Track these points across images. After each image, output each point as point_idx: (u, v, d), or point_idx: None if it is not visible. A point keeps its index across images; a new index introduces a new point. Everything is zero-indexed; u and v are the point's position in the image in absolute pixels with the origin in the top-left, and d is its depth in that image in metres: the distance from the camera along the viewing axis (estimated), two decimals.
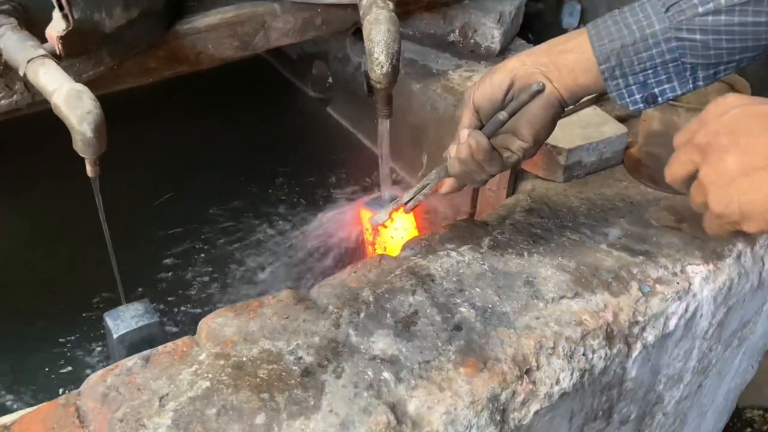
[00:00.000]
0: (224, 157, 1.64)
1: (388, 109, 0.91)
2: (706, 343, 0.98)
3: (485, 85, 0.76)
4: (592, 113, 1.07)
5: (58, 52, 0.74)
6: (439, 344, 0.75)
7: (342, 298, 0.82)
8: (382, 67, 0.85)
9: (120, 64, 0.93)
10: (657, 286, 0.85)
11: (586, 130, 1.03)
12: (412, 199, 0.84)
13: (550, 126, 0.77)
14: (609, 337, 0.80)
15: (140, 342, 0.86)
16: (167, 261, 1.34)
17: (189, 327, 1.22)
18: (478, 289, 0.82)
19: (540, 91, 0.73)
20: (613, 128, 1.04)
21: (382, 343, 0.76)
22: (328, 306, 0.80)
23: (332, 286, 0.84)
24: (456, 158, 0.78)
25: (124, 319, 0.87)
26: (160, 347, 0.78)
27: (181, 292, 1.28)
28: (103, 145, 0.70)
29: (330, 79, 1.77)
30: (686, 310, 0.87)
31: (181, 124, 1.69)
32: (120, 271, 0.93)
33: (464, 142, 0.76)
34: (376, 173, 1.55)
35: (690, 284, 0.87)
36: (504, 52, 1.39)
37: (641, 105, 0.72)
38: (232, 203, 1.49)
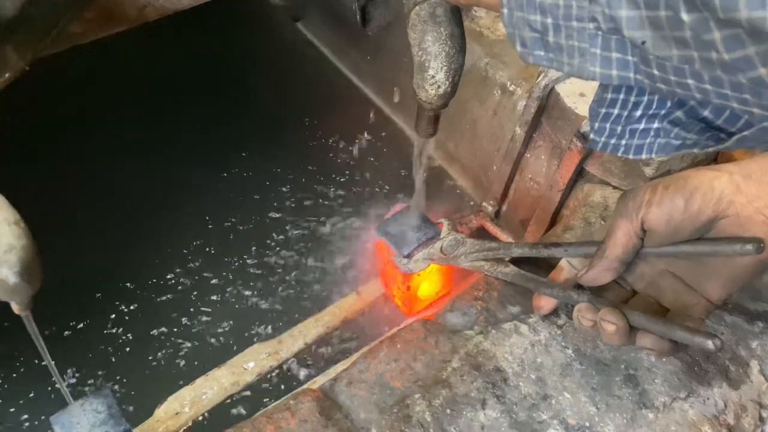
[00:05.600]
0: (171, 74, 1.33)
1: (434, 128, 0.64)
2: None
3: (672, 205, 0.50)
4: None
5: None
6: None
7: (384, 411, 0.60)
8: (439, 87, 0.57)
9: (35, 59, 0.62)
10: None
11: None
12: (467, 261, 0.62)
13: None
14: None
15: None
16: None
17: None
18: (567, 395, 0.62)
19: (757, 253, 0.49)
20: None
21: None
22: (370, 431, 0.59)
23: (368, 385, 0.62)
24: (585, 323, 0.57)
25: (81, 428, 0.64)
26: None
27: None
28: (37, 281, 0.43)
29: None
30: None
31: None
32: None
33: (607, 324, 0.54)
34: (362, 116, 1.27)
35: None
36: None
37: None
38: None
